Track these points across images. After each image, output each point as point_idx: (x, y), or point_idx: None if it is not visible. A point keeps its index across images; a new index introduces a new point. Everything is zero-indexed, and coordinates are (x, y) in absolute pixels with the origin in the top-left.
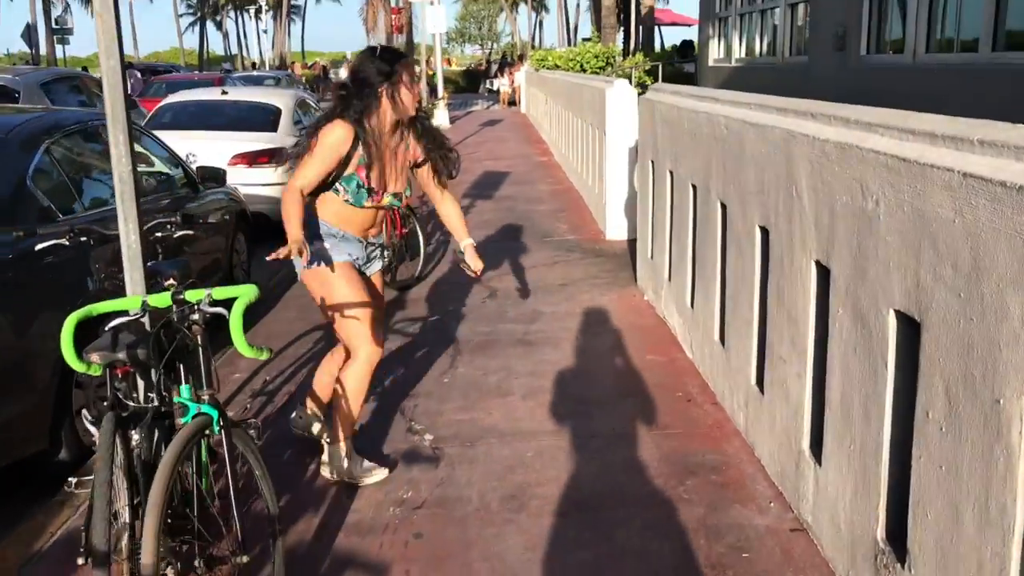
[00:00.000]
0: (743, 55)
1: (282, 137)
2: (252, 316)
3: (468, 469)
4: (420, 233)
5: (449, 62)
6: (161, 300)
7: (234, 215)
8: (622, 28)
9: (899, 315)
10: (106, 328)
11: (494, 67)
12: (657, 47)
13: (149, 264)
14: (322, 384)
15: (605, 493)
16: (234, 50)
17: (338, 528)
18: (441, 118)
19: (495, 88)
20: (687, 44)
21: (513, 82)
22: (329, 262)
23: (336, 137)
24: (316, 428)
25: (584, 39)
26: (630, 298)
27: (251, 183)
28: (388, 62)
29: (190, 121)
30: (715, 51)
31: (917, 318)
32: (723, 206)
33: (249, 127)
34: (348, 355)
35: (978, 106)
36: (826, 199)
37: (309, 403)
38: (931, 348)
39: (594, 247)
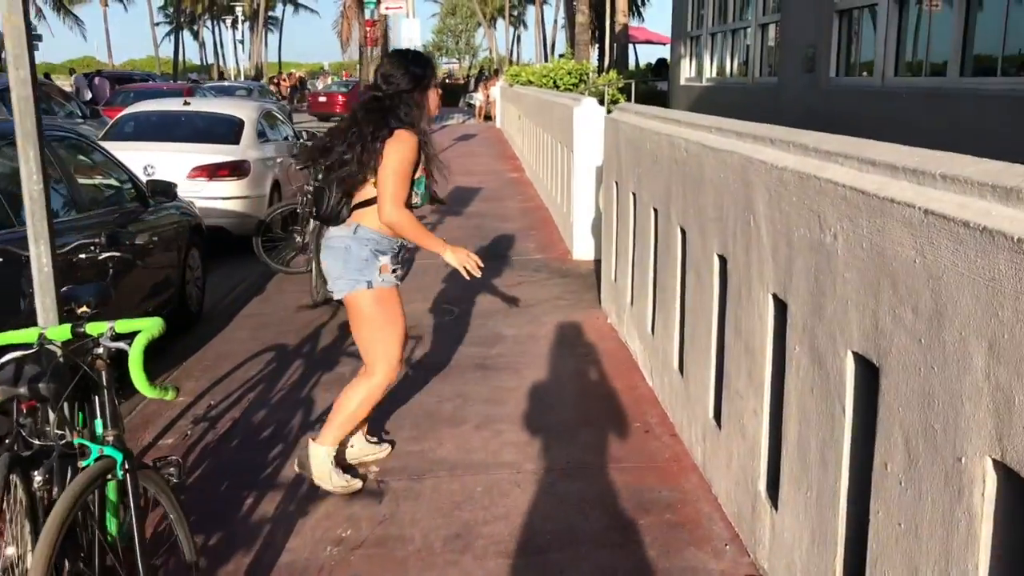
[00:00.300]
0: (714, 75)
1: (244, 150)
2: (203, 335)
3: (413, 505)
4: None
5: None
6: (60, 333)
7: (187, 230)
8: (597, 45)
9: (857, 358)
10: (3, 359)
11: (470, 80)
12: (632, 65)
13: (64, 289)
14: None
15: (555, 532)
16: (210, 60)
17: (269, 569)
18: None
19: (474, 102)
20: (661, 62)
21: (488, 97)
22: (392, 283)
23: (411, 147)
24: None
25: (560, 55)
26: (593, 321)
27: (211, 196)
28: (422, 67)
29: (150, 132)
30: (687, 70)
31: (876, 362)
32: (683, 231)
33: (210, 139)
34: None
35: (946, 130)
36: (783, 230)
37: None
38: (890, 396)
39: (560, 267)
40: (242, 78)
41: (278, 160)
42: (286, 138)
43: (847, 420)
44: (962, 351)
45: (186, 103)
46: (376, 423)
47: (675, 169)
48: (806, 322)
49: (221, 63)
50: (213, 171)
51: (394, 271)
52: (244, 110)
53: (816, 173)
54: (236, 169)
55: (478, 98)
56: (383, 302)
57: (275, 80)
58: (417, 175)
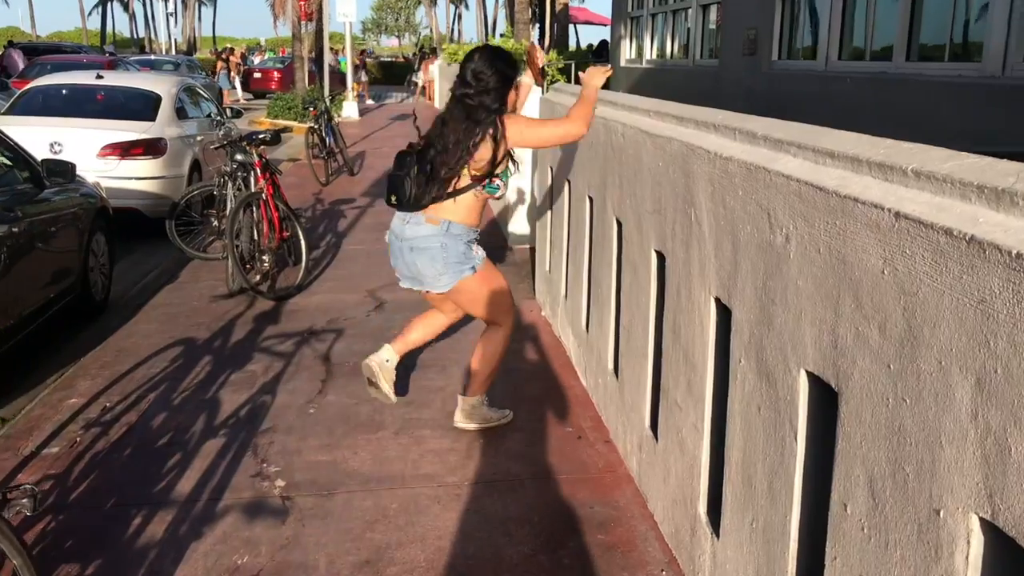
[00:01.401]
0: (655, 56)
1: (161, 127)
2: (106, 328)
3: (321, 526)
4: (303, 238)
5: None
6: None
7: (90, 213)
8: (537, 25)
9: (812, 378)
10: None
11: (414, 59)
12: (572, 46)
13: None
14: (417, 339)
15: (476, 557)
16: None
17: None
18: (349, 111)
19: (418, 81)
20: (603, 44)
21: (428, 75)
22: (484, 256)
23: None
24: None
25: (502, 35)
26: (527, 313)
27: (124, 176)
28: (512, 66)
29: (59, 107)
30: (627, 52)
31: (834, 386)
32: (619, 223)
33: (124, 115)
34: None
35: (892, 116)
36: (728, 227)
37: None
38: (851, 426)
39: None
40: (173, 52)
41: (198, 138)
42: (209, 115)
43: (799, 447)
44: (942, 384)
45: (99, 76)
46: (287, 431)
47: (611, 156)
48: (753, 332)
49: (153, 36)
50: (126, 149)
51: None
52: (162, 85)
53: (766, 164)
54: (151, 147)
55: (422, 77)
56: (487, 275)
57: (222, 55)
58: (501, 168)
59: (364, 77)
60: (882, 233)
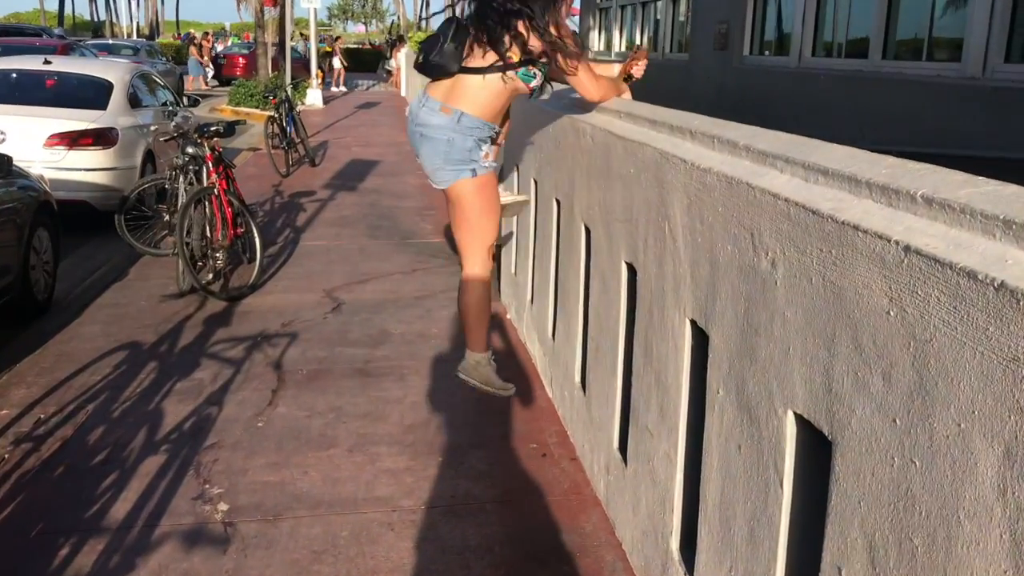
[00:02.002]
0: (623, 49)
1: (113, 116)
2: (46, 330)
3: (264, 557)
4: (257, 235)
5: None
6: None
7: (31, 207)
8: None
9: (802, 421)
10: None
11: (386, 46)
12: None
13: None
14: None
15: None
16: (102, 16)
17: None
18: (313, 98)
19: (391, 68)
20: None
21: (396, 63)
22: (492, 168)
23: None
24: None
25: None
26: (492, 317)
27: (72, 167)
28: None
29: (3, 94)
30: (595, 44)
31: (828, 433)
32: (587, 230)
33: (73, 103)
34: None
35: (866, 114)
36: (705, 245)
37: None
38: (848, 482)
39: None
40: (135, 36)
41: (153, 128)
42: (165, 103)
43: (785, 495)
44: (961, 450)
45: (47, 62)
46: (233, 447)
47: (579, 158)
48: (733, 363)
49: (115, 19)
50: (74, 139)
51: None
52: (114, 71)
53: (749, 179)
54: (101, 137)
55: (395, 64)
56: (486, 188)
57: (196, 40)
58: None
59: (339, 64)
60: (888, 268)
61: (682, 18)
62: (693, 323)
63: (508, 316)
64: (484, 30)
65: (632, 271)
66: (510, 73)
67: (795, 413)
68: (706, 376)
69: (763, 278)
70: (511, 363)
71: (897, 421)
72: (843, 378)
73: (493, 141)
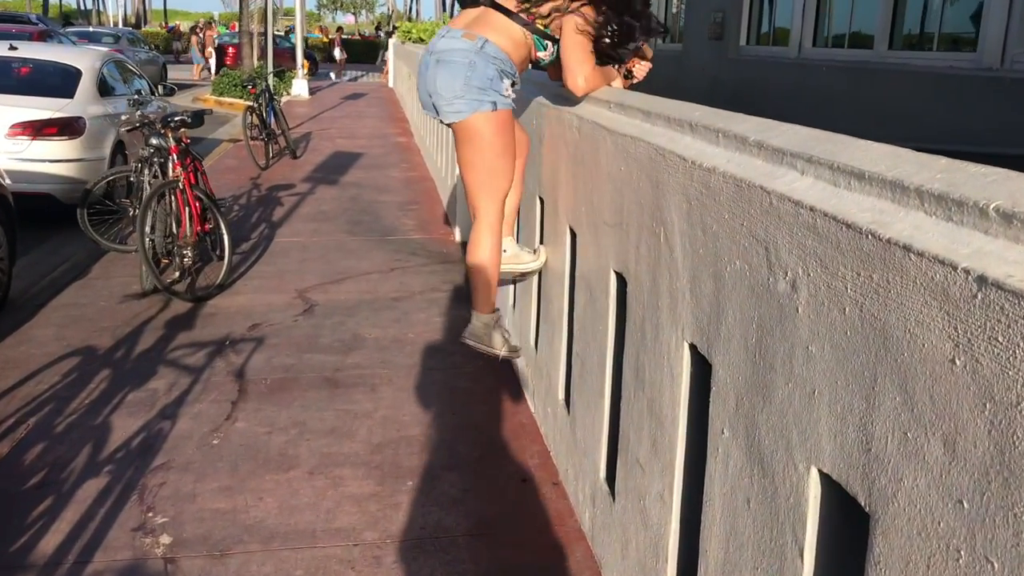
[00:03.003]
0: None
1: (81, 104)
2: None
3: None
4: (226, 231)
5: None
6: None
7: None
8: None
9: (828, 481)
10: None
11: (383, 37)
12: None
13: None
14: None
15: None
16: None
17: None
18: (299, 88)
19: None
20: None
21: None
22: (512, 104)
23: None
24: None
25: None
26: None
27: (35, 158)
28: None
29: None
30: None
31: (863, 502)
32: (572, 233)
33: (39, 91)
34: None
35: (871, 108)
36: (709, 257)
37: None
38: (891, 568)
39: (440, 251)
40: (120, 25)
41: (124, 117)
42: (139, 92)
43: (806, 570)
44: None
45: (12, 47)
46: (183, 468)
47: (564, 152)
48: (741, 400)
49: (100, 8)
50: (38, 128)
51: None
52: (83, 58)
53: (762, 182)
54: (67, 127)
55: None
56: (506, 125)
57: (197, 29)
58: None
59: (341, 55)
60: (953, 304)
61: (674, 8)
62: (693, 348)
63: None
64: None
65: (622, 281)
66: (528, 31)
67: (820, 471)
68: (708, 411)
69: (780, 302)
70: (492, 371)
71: (965, 504)
72: (887, 437)
73: (514, 84)
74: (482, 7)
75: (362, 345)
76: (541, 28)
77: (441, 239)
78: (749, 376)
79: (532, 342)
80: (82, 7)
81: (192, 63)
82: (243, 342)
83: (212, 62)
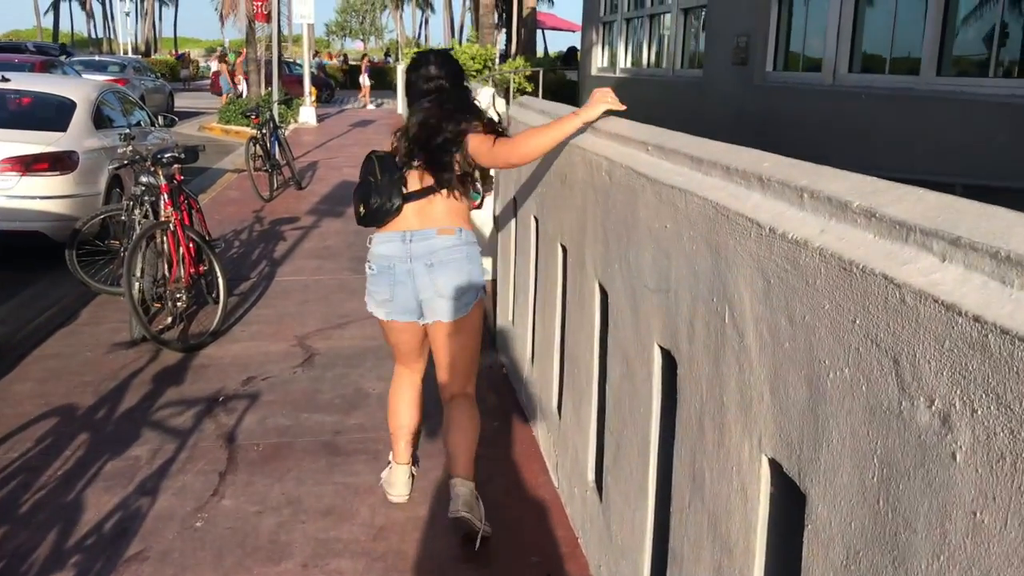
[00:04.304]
0: (629, 65)
1: (74, 138)
2: None
3: None
4: (221, 273)
5: (330, 56)
6: None
7: None
8: (504, 30)
9: None
10: None
11: (392, 63)
12: (540, 52)
13: None
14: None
15: None
16: (100, 33)
17: None
18: (306, 116)
19: None
20: (572, 51)
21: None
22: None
23: None
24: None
25: (468, 39)
26: (486, 371)
27: (26, 195)
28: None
29: None
30: (598, 59)
31: None
32: (603, 292)
33: (30, 124)
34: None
35: (918, 141)
36: (800, 355)
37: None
38: None
39: None
40: (130, 53)
41: (120, 151)
42: (138, 124)
43: None
44: None
45: (4, 79)
46: (161, 558)
47: (592, 199)
48: (856, 556)
49: (111, 36)
50: (28, 163)
51: None
52: (78, 90)
53: (886, 269)
54: (59, 161)
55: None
56: (482, 301)
57: (224, 57)
58: (479, 175)
59: (367, 82)
60: None
61: (695, 31)
62: (775, 465)
63: (505, 371)
64: (429, 156)
65: (669, 359)
66: (467, 195)
67: None
68: (801, 552)
69: (922, 439)
70: (510, 437)
71: None
72: None
73: None
74: (426, 198)
75: (365, 402)
76: (478, 185)
77: None
78: (870, 528)
79: (554, 407)
80: (93, 35)
81: (221, 93)
82: (236, 399)
83: (243, 88)
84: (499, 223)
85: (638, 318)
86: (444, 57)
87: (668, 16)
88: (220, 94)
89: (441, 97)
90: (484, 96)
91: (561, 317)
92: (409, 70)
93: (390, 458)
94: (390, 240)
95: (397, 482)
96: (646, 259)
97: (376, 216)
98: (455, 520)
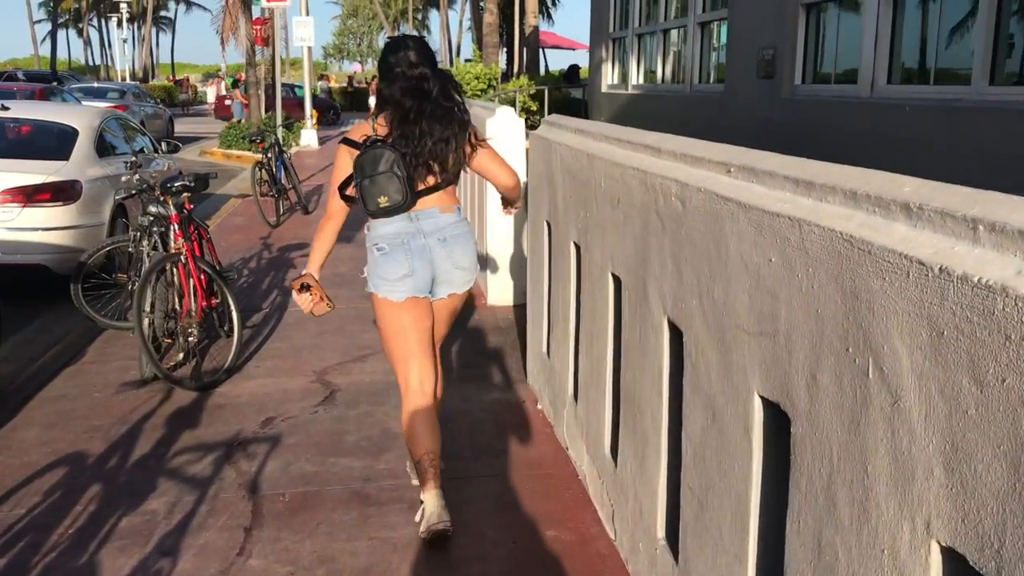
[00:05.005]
0: (642, 81)
1: (77, 167)
2: None
3: None
4: (234, 305)
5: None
6: None
7: None
8: (504, 49)
9: None
10: None
11: None
12: (541, 70)
13: None
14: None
15: None
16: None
17: None
18: (308, 139)
19: None
20: (573, 68)
21: None
22: None
23: None
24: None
25: (466, 60)
26: (518, 406)
27: (27, 227)
28: None
29: None
30: (609, 76)
31: None
32: (674, 328)
33: (31, 153)
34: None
35: (972, 157)
36: (996, 432)
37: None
38: None
39: (472, 316)
40: (128, 79)
41: (124, 180)
42: (141, 150)
43: None
44: None
45: (4, 107)
46: None
47: (657, 226)
48: None
49: (109, 63)
50: (30, 194)
51: None
52: (80, 117)
53: None
54: (61, 191)
55: None
56: None
57: (235, 82)
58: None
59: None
60: None
61: (714, 43)
62: (955, 556)
63: (539, 406)
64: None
65: (778, 413)
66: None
67: None
68: None
69: None
70: (549, 481)
71: None
72: None
73: None
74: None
75: (394, 443)
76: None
77: (470, 302)
78: None
79: (606, 451)
80: (90, 63)
81: (230, 118)
82: (256, 442)
83: (236, 111)
84: (532, 249)
85: (729, 363)
86: (422, 43)
87: (684, 30)
88: (228, 119)
89: (433, 100)
90: (502, 116)
91: (614, 353)
92: (387, 52)
93: (421, 496)
94: (396, 220)
95: (436, 509)
96: (740, 297)
97: (389, 211)
98: (436, 533)
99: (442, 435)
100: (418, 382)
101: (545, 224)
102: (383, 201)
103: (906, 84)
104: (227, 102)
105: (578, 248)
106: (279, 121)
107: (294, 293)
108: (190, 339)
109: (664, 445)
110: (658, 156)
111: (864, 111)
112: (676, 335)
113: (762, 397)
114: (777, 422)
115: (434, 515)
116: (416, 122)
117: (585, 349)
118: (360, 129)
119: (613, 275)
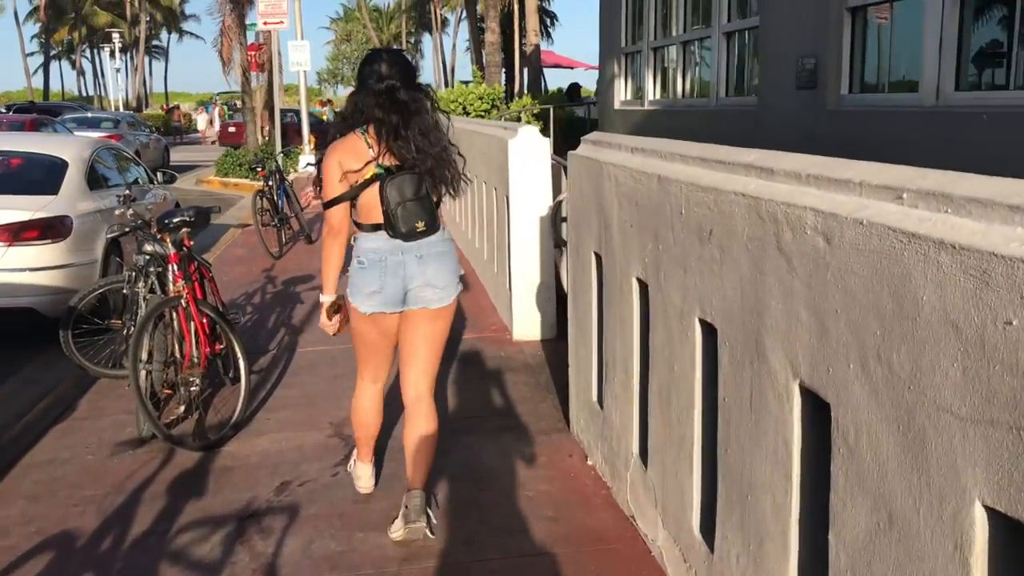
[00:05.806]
0: (658, 96)
1: (67, 201)
2: None
3: None
4: (241, 351)
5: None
6: None
7: None
8: (504, 69)
9: None
10: None
11: None
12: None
13: None
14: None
15: None
16: (91, 90)
17: None
18: (306, 164)
19: None
20: (574, 87)
21: None
22: None
23: None
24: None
25: (463, 81)
26: (564, 462)
27: (13, 267)
28: None
29: None
30: (621, 92)
31: None
32: (811, 397)
33: (18, 188)
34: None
35: None
36: None
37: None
38: None
39: (498, 353)
40: (122, 108)
41: (118, 214)
42: (135, 181)
43: None
44: None
45: None
46: None
47: (781, 267)
48: None
49: (102, 93)
50: (16, 232)
51: None
52: (69, 148)
53: None
54: (50, 228)
55: None
56: None
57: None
58: None
59: None
60: None
61: (742, 55)
62: None
63: (589, 462)
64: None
65: (1008, 525)
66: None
67: None
68: None
69: None
70: (615, 547)
71: None
72: None
73: None
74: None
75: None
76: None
77: (495, 338)
78: None
79: (696, 529)
80: (84, 93)
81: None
82: (271, 513)
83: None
84: (573, 285)
85: (924, 456)
86: (396, 56)
87: (708, 41)
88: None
89: (415, 112)
90: (526, 137)
91: (705, 414)
92: (362, 64)
93: (354, 456)
94: (379, 237)
95: (364, 475)
96: (948, 370)
97: (424, 234)
98: (411, 530)
99: (434, 461)
100: (372, 379)
101: (593, 256)
102: (420, 226)
103: (975, 91)
104: (230, 129)
105: (644, 286)
106: (279, 148)
107: (323, 316)
108: (192, 389)
109: (794, 543)
110: (770, 178)
111: (930, 121)
112: (815, 404)
113: (989, 509)
114: (1013, 539)
115: (363, 479)
116: (408, 139)
117: (659, 405)
118: (351, 142)
119: (703, 322)
